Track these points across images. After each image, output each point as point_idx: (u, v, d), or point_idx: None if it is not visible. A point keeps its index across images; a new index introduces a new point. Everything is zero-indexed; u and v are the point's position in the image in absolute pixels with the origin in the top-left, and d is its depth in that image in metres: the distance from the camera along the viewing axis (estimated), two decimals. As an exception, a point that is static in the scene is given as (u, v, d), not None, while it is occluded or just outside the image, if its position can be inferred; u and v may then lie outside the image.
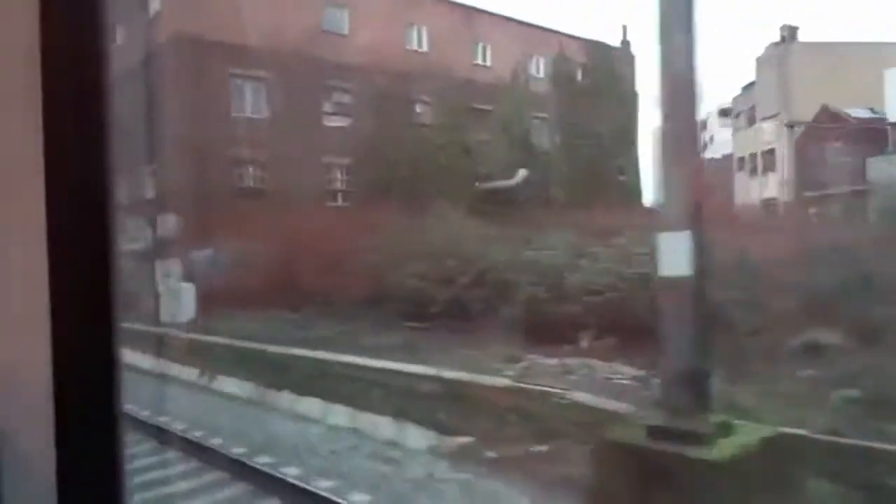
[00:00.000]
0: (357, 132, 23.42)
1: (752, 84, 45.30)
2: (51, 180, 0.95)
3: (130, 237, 23.90)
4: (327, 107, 23.05)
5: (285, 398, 10.11)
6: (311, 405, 9.51)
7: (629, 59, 33.56)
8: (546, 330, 10.50)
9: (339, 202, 23.17)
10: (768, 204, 36.91)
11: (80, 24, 0.97)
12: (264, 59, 21.31)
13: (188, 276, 19.42)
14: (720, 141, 58.49)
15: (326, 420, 9.02)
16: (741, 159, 45.70)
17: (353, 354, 10.92)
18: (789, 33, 42.16)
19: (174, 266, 20.58)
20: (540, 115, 29.32)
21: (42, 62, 0.94)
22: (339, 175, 23.34)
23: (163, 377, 13.02)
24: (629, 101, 33.21)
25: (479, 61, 27.46)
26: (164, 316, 17.34)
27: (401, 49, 24.79)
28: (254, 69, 21.25)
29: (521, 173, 27.02)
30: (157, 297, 21.40)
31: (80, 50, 0.97)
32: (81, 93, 0.98)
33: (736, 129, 47.90)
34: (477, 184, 26.40)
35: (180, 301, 16.73)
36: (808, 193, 31.70)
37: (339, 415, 8.93)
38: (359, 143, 23.33)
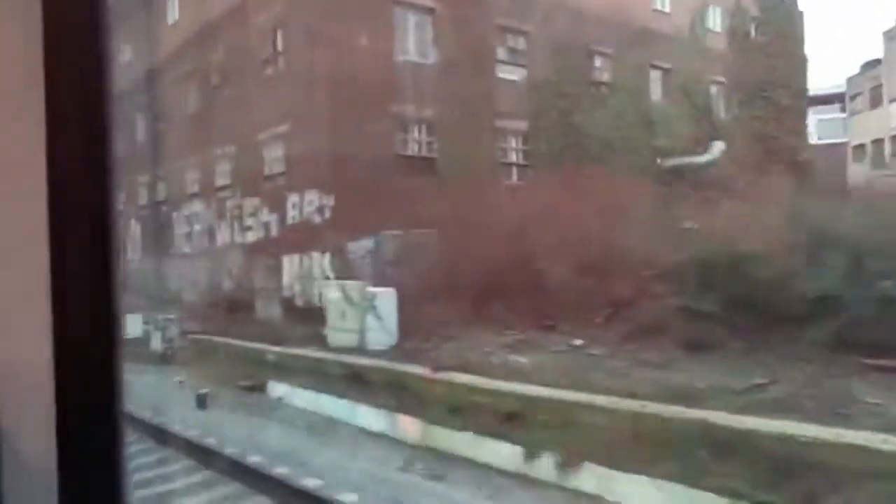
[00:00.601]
0: (533, 89, 17.83)
1: (873, 62, 39.75)
2: (52, 181, 0.95)
3: (244, 226, 18.34)
4: (501, 53, 17.45)
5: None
6: None
7: (798, 16, 27.92)
8: None
9: (514, 178, 17.58)
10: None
11: (83, 30, 0.98)
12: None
13: (349, 276, 13.84)
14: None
15: None
16: (859, 147, 40.01)
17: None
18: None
19: (318, 262, 14.99)
20: (717, 78, 23.71)
21: (45, 65, 0.95)
22: (513, 143, 17.73)
23: (434, 455, 7.43)
24: (800, 65, 27.61)
25: (658, 6, 21.83)
26: (337, 337, 11.75)
27: (579, -17, 19.20)
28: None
29: (718, 147, 21.44)
30: (289, 305, 15.85)
31: (83, 55, 0.98)
32: (83, 95, 0.98)
33: (852, 113, 42.40)
34: (659, 160, 20.85)
35: (375, 316, 11.13)
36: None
37: None
38: (535, 104, 17.78)
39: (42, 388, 0.94)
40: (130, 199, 24.56)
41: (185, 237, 21.22)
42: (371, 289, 11.56)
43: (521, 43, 17.82)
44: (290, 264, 15.82)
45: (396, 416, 8.51)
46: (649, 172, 19.47)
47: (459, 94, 15.95)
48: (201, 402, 9.02)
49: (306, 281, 15.19)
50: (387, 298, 11.22)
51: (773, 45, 25.75)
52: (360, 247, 14.48)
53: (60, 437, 0.94)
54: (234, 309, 17.27)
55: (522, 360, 9.07)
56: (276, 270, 16.35)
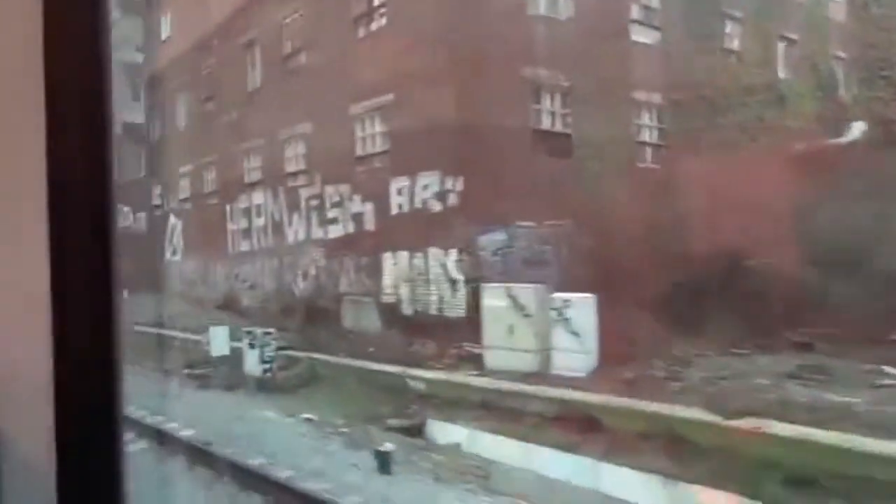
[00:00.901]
0: (667, 55, 15.03)
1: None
2: (52, 182, 0.94)
3: (325, 219, 15.48)
4: (634, 11, 14.64)
5: None
6: None
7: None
8: None
9: (648, 161, 14.79)
10: None
11: (83, 30, 0.96)
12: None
13: (478, 276, 11.06)
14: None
15: None
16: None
17: None
18: None
19: (439, 260, 12.16)
20: (838, 52, 20.96)
21: (45, 65, 0.94)
22: (647, 119, 14.92)
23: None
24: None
25: (786, -37, 19.11)
26: (503, 358, 8.94)
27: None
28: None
29: (858, 128, 18.62)
30: (393, 313, 12.95)
31: (83, 54, 0.96)
32: (83, 94, 0.97)
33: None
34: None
35: (568, 331, 8.32)
36: None
37: None
38: (670, 73, 15.00)
39: (42, 389, 0.92)
40: (170, 192, 21.81)
41: (241, 233, 18.39)
42: (559, 295, 8.70)
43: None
44: (395, 263, 12.96)
45: (686, 487, 5.69)
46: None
47: (596, 58, 13.14)
48: (384, 463, 6.19)
49: (420, 283, 12.36)
50: (584, 308, 8.37)
51: (891, 18, 23.00)
52: (492, 241, 11.66)
53: (60, 438, 0.93)
54: (312, 317, 14.47)
55: (853, 399, 6.23)
56: (373, 271, 13.51)
